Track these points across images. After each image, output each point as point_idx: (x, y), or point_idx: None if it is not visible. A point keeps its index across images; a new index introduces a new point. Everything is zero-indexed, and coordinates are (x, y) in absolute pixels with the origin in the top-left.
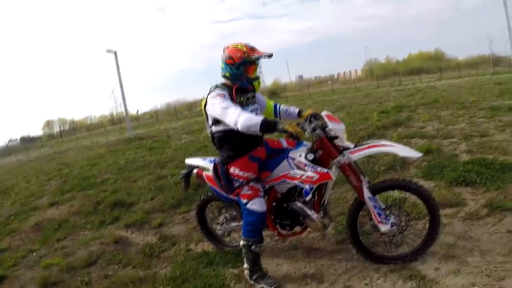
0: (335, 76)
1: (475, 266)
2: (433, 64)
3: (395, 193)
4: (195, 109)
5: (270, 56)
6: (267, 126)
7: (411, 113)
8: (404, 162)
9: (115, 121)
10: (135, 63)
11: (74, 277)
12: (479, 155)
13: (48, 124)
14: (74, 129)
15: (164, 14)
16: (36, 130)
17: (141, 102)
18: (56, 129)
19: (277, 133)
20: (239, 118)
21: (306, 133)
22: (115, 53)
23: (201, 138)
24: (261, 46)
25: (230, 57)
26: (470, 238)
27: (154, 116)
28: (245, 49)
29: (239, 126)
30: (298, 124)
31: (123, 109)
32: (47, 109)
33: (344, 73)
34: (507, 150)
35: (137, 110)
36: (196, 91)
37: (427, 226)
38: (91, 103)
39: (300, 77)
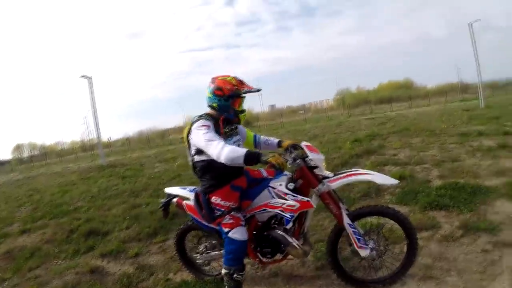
0: (307, 105)
1: (453, 285)
2: (403, 92)
3: (372, 219)
4: (167, 137)
5: (258, 91)
6: (251, 158)
7: (383, 141)
8: (379, 189)
9: (87, 148)
10: (106, 89)
11: None
12: (451, 179)
13: (18, 148)
14: (45, 154)
15: (138, 40)
16: (5, 154)
17: (112, 129)
18: (26, 153)
19: (260, 164)
20: (222, 151)
21: (288, 163)
22: (90, 78)
23: (175, 167)
24: (235, 74)
25: (220, 88)
26: (447, 259)
27: (126, 143)
28: (234, 81)
29: (223, 159)
30: (280, 155)
31: (95, 135)
32: (17, 132)
33: (316, 102)
34: (478, 174)
35: (109, 137)
36: (169, 119)
37: (405, 249)
38: (62, 128)
39: (273, 106)
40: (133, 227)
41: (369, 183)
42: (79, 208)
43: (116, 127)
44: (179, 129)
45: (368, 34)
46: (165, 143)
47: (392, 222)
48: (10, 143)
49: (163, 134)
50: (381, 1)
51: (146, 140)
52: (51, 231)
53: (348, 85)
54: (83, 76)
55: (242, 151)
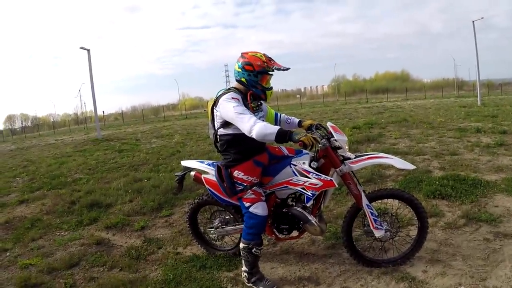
0: (302, 90)
1: (459, 269)
2: (399, 84)
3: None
4: (161, 114)
5: (287, 69)
6: (283, 136)
7: (382, 130)
8: (382, 176)
9: (80, 121)
10: (100, 63)
11: (56, 278)
12: (451, 171)
13: (10, 118)
14: (37, 126)
15: (135, 15)
16: None
17: (105, 103)
18: (18, 124)
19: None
20: (254, 126)
21: (318, 144)
22: (89, 51)
23: (173, 144)
24: (230, 55)
25: (250, 64)
26: (452, 245)
27: (120, 118)
28: (264, 58)
29: (254, 134)
30: (310, 135)
31: (89, 108)
32: (8, 103)
33: (311, 87)
34: (477, 169)
35: (103, 111)
36: (163, 95)
37: (415, 233)
38: (54, 100)
39: None
40: (136, 201)
41: (373, 168)
42: (78, 180)
43: (109, 101)
44: (173, 107)
45: (367, 24)
46: (160, 120)
47: (395, 206)
48: (2, 114)
49: (157, 111)
50: None
51: (140, 115)
52: (51, 202)
53: (345, 73)
54: (82, 48)
55: (274, 128)
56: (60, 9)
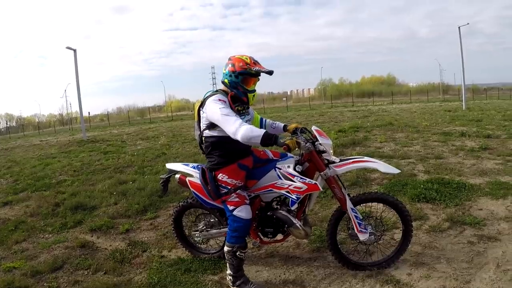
0: (288, 93)
1: (443, 272)
2: (385, 88)
3: (362, 207)
4: (147, 115)
5: (270, 73)
6: (269, 139)
7: (367, 133)
8: (367, 179)
9: (65, 122)
10: (86, 63)
11: (40, 282)
12: (436, 175)
13: None
14: (22, 126)
15: (122, 16)
16: None
17: (91, 104)
18: (2, 124)
19: (276, 146)
20: (240, 129)
21: (302, 147)
22: (75, 51)
23: (158, 146)
24: (217, 58)
25: (233, 65)
26: (436, 248)
27: (105, 119)
28: (248, 60)
29: (239, 137)
30: (293, 137)
31: (75, 109)
32: None
33: (297, 91)
34: (462, 172)
35: (89, 112)
36: (149, 97)
37: (399, 236)
38: (40, 101)
39: None
40: (121, 203)
41: (358, 172)
42: (63, 181)
43: (95, 102)
44: (159, 108)
45: (354, 28)
46: (146, 121)
47: (380, 210)
48: None
49: (143, 112)
50: None
51: (125, 116)
52: (35, 204)
53: (331, 76)
54: (68, 48)
55: (260, 131)
56: (47, 8)
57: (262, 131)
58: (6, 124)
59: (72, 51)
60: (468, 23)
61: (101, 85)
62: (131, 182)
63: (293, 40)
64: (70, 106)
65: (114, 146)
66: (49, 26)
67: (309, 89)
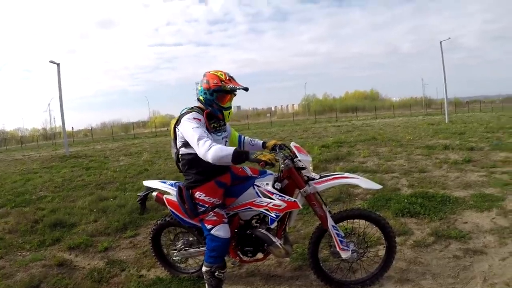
0: (273, 109)
1: None
2: (368, 103)
3: (345, 223)
4: (131, 131)
5: (246, 89)
6: (239, 156)
7: (351, 148)
8: (350, 194)
9: (49, 136)
10: (70, 78)
11: None
12: (420, 189)
13: None
14: (4, 140)
15: (107, 31)
16: None
17: (75, 119)
18: None
19: (249, 162)
20: (209, 151)
21: (280, 162)
22: (58, 65)
23: (141, 162)
24: (201, 73)
25: (207, 82)
26: (421, 263)
27: (89, 134)
28: (223, 77)
29: (210, 158)
30: (269, 153)
31: (57, 123)
32: None
33: (281, 106)
34: (446, 185)
35: (72, 127)
36: (133, 113)
37: (383, 252)
38: (23, 114)
39: (238, 107)
40: (101, 221)
41: (342, 187)
42: (43, 197)
43: (79, 117)
44: (143, 124)
45: (338, 43)
46: (129, 137)
47: (363, 226)
48: None
49: (127, 128)
50: (352, 13)
51: (109, 132)
52: (13, 220)
53: (315, 91)
54: (51, 62)
55: (230, 149)
56: (32, 21)
57: (232, 149)
58: None
59: (56, 65)
60: (449, 38)
61: (86, 99)
62: (112, 199)
63: (277, 55)
64: (54, 121)
65: (97, 162)
66: (34, 40)
67: (293, 104)
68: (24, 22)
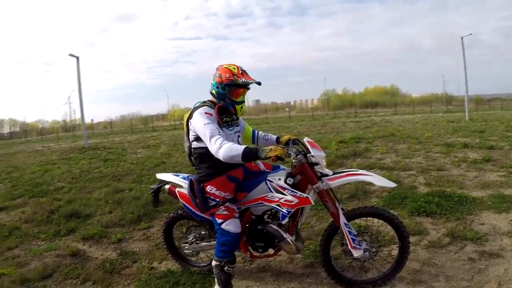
0: (292, 103)
1: None
2: (388, 99)
3: (360, 221)
4: (150, 124)
5: (258, 83)
6: (249, 155)
7: (368, 144)
8: (365, 192)
9: (68, 128)
10: (91, 71)
11: None
12: (437, 187)
13: None
14: (25, 132)
15: (127, 25)
16: None
17: (95, 111)
18: (6, 129)
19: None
20: (220, 149)
21: (292, 158)
22: (77, 58)
23: (158, 154)
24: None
25: (219, 76)
26: (435, 265)
27: (108, 126)
28: (236, 71)
29: (221, 158)
30: (283, 147)
31: (78, 115)
32: None
33: (300, 101)
34: (463, 185)
35: (92, 119)
36: (152, 105)
37: (393, 252)
38: (44, 107)
39: (257, 101)
40: (115, 212)
41: (357, 184)
42: (60, 188)
43: (99, 110)
44: (162, 117)
45: (358, 39)
46: (148, 130)
47: (377, 224)
48: None
49: (146, 120)
50: (372, 9)
51: (128, 124)
52: (30, 210)
53: (334, 87)
54: (71, 55)
55: (240, 148)
56: (53, 15)
57: (242, 147)
58: (10, 129)
59: (75, 58)
60: (471, 34)
61: (104, 92)
62: (127, 191)
63: (296, 50)
64: (74, 113)
65: (115, 154)
66: (54, 33)
67: (312, 99)
68: (45, 16)
